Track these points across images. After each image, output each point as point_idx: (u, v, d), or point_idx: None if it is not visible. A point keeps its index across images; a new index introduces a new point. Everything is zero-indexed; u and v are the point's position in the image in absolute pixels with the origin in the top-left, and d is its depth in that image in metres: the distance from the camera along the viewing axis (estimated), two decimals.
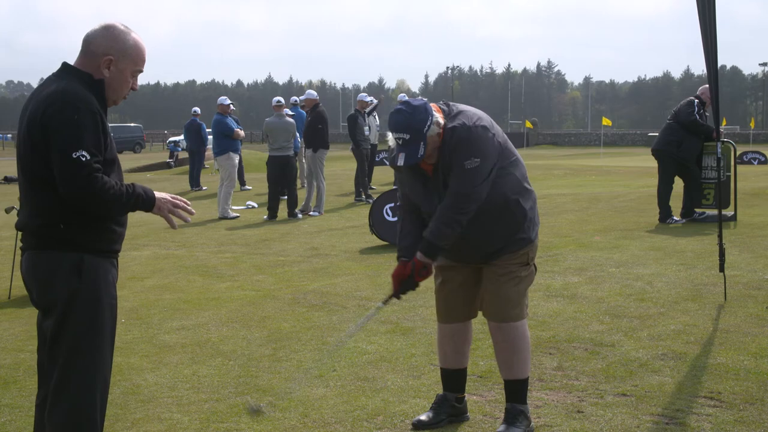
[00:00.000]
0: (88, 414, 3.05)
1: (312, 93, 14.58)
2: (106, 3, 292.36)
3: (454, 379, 4.06)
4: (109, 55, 3.12)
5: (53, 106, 2.96)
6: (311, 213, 13.29)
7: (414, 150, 3.61)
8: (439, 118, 3.67)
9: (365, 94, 16.83)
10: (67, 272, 3.03)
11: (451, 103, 3.83)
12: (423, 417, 3.98)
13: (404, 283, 3.79)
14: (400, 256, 3.86)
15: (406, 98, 3.89)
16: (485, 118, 3.75)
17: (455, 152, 3.62)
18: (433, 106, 3.73)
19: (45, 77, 3.30)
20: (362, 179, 15.34)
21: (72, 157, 2.92)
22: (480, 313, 4.02)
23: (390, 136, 3.71)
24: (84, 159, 2.93)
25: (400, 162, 3.64)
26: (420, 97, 3.95)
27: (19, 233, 3.18)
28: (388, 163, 4.03)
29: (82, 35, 3.19)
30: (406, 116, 3.63)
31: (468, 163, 3.59)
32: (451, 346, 4.03)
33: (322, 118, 13.84)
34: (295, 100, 16.22)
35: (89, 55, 3.12)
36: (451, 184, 3.65)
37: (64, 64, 3.16)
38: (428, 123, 3.61)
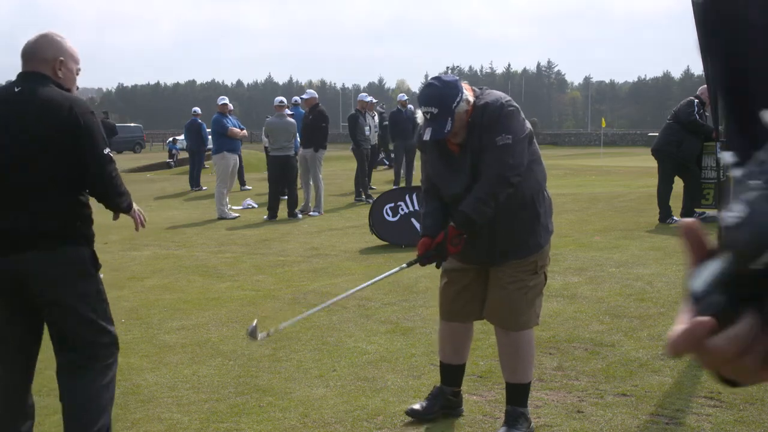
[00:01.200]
0: (110, 395, 3.40)
1: (312, 92, 14.59)
2: (107, 3, 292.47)
3: (451, 374, 4.09)
4: (59, 57, 3.32)
5: (72, 110, 3.16)
6: (311, 213, 13.29)
7: (441, 125, 3.57)
8: (469, 96, 3.64)
9: (365, 94, 16.82)
10: (88, 265, 3.28)
11: (483, 87, 3.81)
12: (417, 406, 4.04)
13: (433, 250, 3.70)
14: (423, 234, 3.80)
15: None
16: (515, 104, 3.75)
17: (487, 129, 3.60)
18: (464, 84, 3.70)
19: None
20: (362, 179, 15.34)
21: (104, 153, 3.21)
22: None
23: (418, 112, 3.70)
24: (111, 155, 3.28)
25: (427, 136, 3.60)
26: (452, 74, 3.92)
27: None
28: (416, 143, 3.99)
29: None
30: (437, 89, 3.61)
31: (499, 140, 3.57)
32: (451, 343, 4.05)
33: (324, 117, 13.85)
34: (296, 100, 16.13)
35: (42, 62, 3.31)
36: (484, 162, 3.61)
37: (33, 74, 3.30)
38: (458, 99, 3.58)
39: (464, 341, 4.06)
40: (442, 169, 3.79)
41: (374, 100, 17.09)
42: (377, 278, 4.03)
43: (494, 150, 3.58)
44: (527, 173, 3.70)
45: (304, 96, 14.58)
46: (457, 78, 3.71)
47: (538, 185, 3.78)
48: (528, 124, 3.75)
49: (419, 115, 3.71)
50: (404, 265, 3.88)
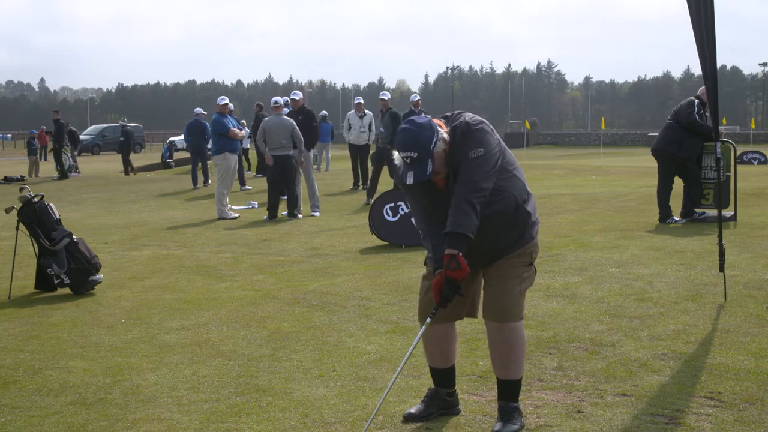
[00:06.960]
0: None
1: (299, 93, 14.69)
2: (107, 3, 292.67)
3: (444, 377, 4.10)
4: None
5: None
6: (314, 213, 13.28)
7: (423, 168, 3.60)
8: (444, 134, 3.68)
9: (386, 92, 16.36)
10: None
11: (454, 112, 3.86)
12: (413, 410, 4.04)
13: (444, 288, 3.71)
14: (436, 269, 3.82)
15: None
16: (485, 121, 3.81)
17: (459, 148, 3.65)
18: (436, 121, 3.74)
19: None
20: (375, 181, 15.08)
21: None
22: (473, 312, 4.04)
23: (396, 155, 3.71)
24: None
25: (410, 180, 3.62)
26: (423, 114, 3.95)
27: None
28: (396, 181, 3.95)
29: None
30: (413, 134, 3.63)
31: (472, 153, 3.62)
32: (437, 348, 4.05)
33: (314, 116, 14.15)
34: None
35: None
36: (459, 177, 3.66)
37: None
38: (434, 140, 3.62)
39: (450, 342, 4.07)
40: (431, 205, 3.83)
41: (384, 98, 16.69)
42: (413, 344, 3.89)
43: (467, 162, 3.64)
44: (511, 180, 3.78)
45: (293, 97, 14.54)
46: (429, 117, 3.76)
47: (522, 187, 3.86)
48: (496, 135, 3.78)
49: (397, 157, 3.72)
50: (428, 319, 3.83)
